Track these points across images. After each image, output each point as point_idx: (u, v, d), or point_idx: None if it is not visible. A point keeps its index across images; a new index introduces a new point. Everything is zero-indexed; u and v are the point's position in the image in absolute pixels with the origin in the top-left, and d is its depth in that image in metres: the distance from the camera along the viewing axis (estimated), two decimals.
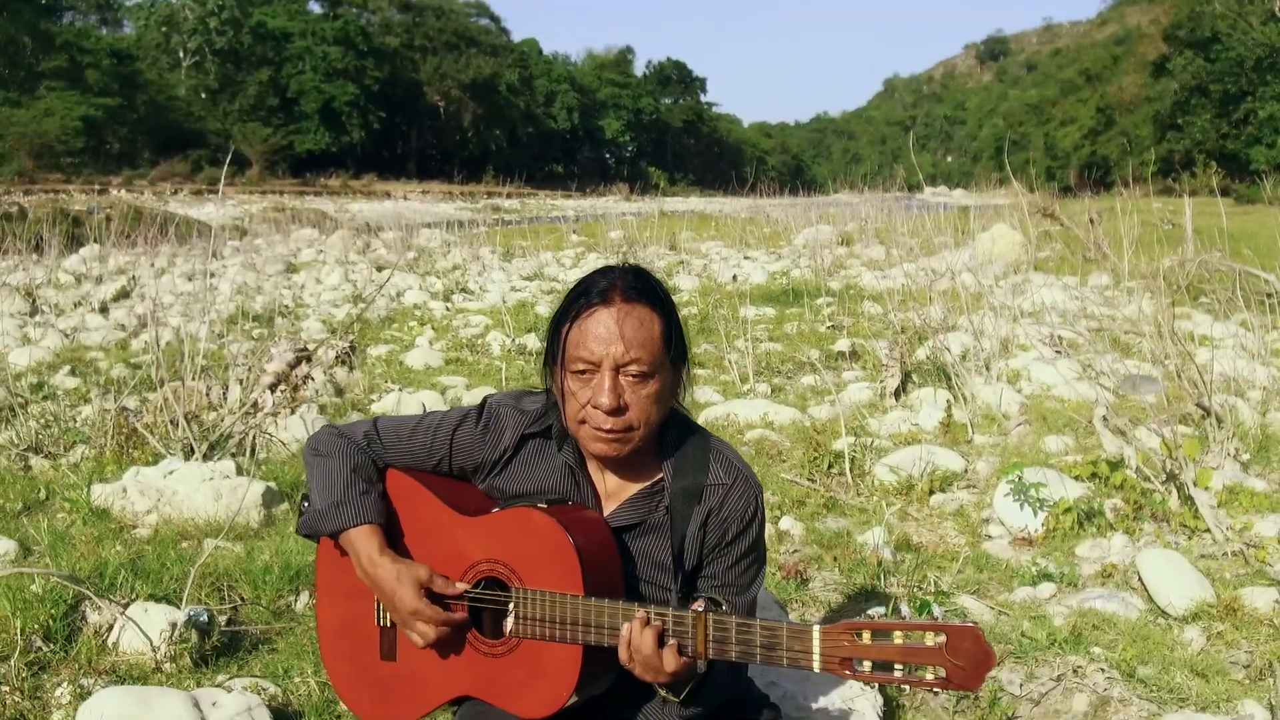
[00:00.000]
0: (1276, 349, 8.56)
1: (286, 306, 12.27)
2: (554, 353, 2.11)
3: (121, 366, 8.32)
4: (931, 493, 5.22)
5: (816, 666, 1.82)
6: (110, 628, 3.49)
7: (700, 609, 1.91)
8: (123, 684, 3.11)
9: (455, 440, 2.23)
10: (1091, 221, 15.28)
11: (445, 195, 62.04)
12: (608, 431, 2.04)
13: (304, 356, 5.39)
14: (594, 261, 18.89)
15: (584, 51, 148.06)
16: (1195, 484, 4.50)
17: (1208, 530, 4.39)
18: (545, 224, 29.74)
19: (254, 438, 5.44)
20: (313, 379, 5.52)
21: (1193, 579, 3.86)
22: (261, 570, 3.93)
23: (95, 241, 18.71)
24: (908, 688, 1.80)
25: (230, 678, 3.22)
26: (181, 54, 79.99)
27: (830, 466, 5.53)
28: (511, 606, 2.06)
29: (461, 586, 2.10)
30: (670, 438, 2.17)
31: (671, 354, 2.09)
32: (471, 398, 7.60)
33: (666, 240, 20.95)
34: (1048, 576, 4.16)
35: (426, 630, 2.08)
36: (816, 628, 1.82)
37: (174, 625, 3.38)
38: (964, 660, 1.74)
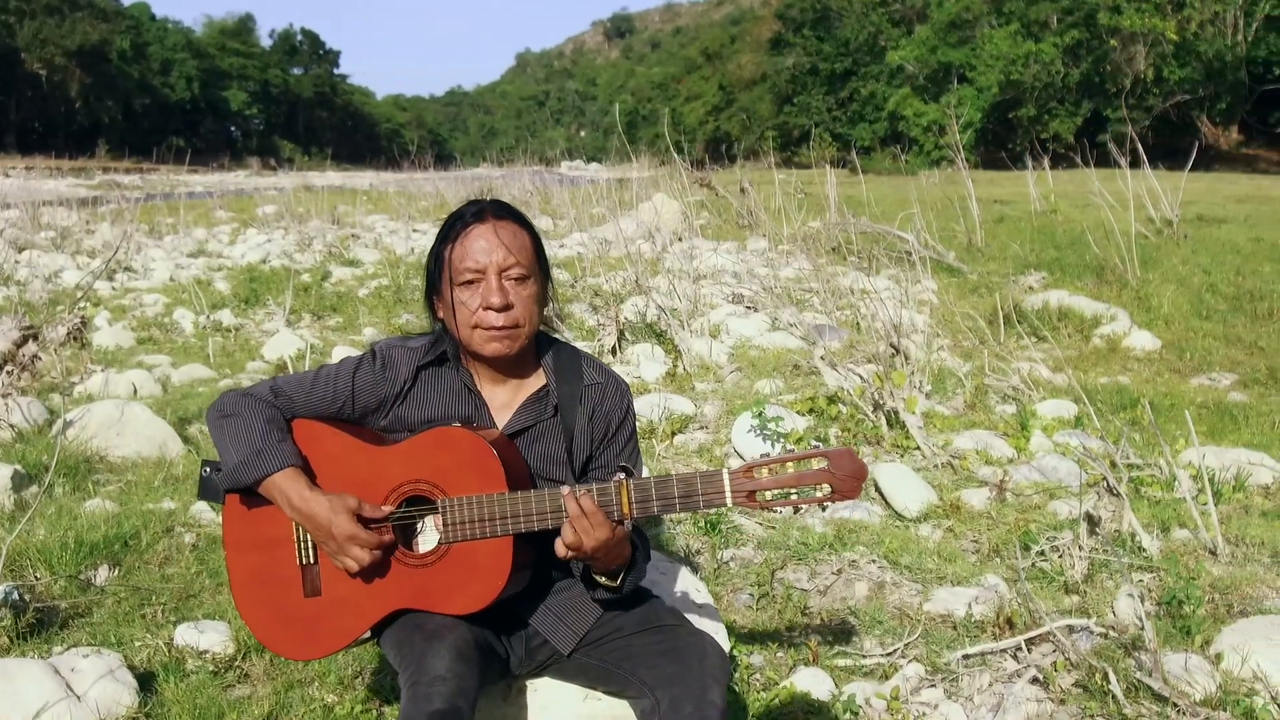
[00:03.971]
0: (921, 299, 9.75)
1: None
2: (438, 275, 2.38)
3: None
4: (674, 434, 5.71)
5: (729, 502, 2.17)
6: None
7: (621, 477, 2.21)
8: None
9: (356, 382, 2.42)
10: (743, 191, 16.47)
11: (53, 171, 56.54)
12: (500, 329, 2.32)
13: (30, 335, 5.09)
14: (253, 236, 18.33)
15: (201, 18, 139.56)
16: (905, 409, 5.23)
17: (918, 448, 5.13)
18: (181, 200, 28.11)
19: None
20: (40, 358, 5.21)
21: (920, 486, 4.55)
22: (58, 547, 3.81)
23: None
24: (805, 508, 2.18)
25: (67, 648, 3.17)
26: None
27: None
28: (440, 516, 2.26)
29: (388, 509, 2.29)
30: (544, 349, 2.50)
31: (540, 263, 2.40)
32: (179, 375, 7.42)
33: (327, 214, 20.50)
34: None
35: (361, 554, 2.25)
36: (725, 471, 2.17)
37: None
38: (845, 474, 2.13)
